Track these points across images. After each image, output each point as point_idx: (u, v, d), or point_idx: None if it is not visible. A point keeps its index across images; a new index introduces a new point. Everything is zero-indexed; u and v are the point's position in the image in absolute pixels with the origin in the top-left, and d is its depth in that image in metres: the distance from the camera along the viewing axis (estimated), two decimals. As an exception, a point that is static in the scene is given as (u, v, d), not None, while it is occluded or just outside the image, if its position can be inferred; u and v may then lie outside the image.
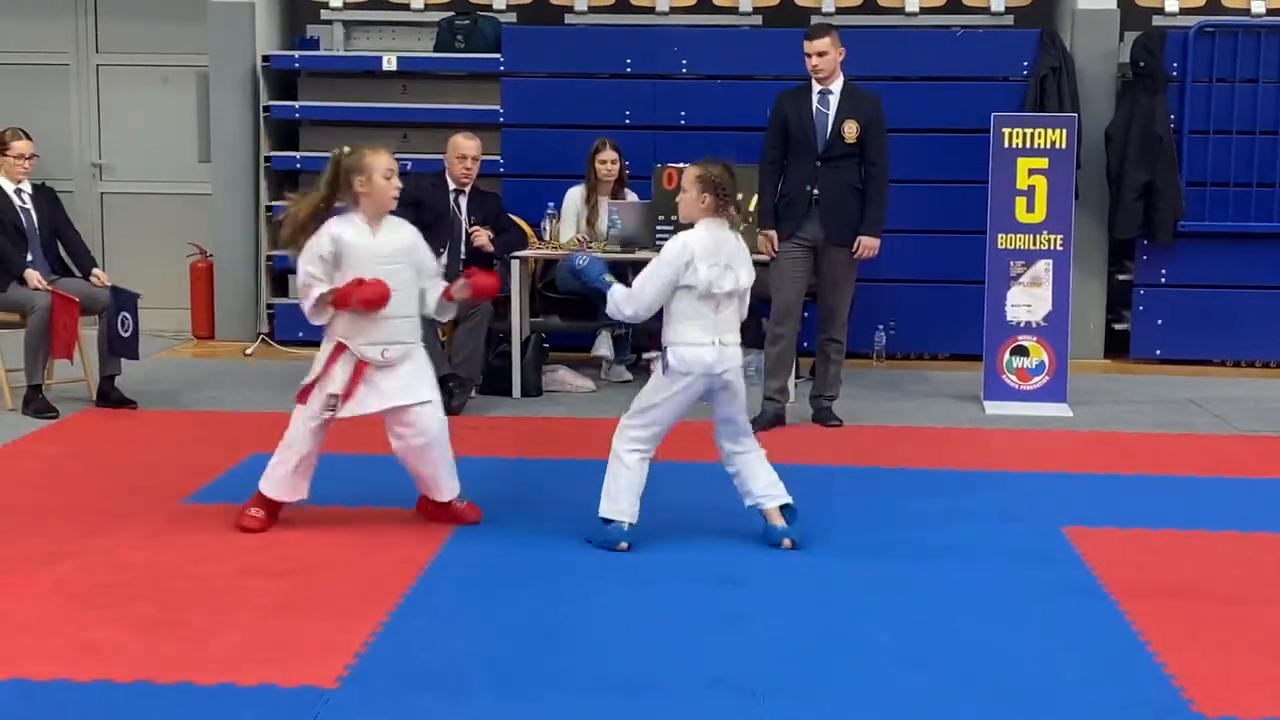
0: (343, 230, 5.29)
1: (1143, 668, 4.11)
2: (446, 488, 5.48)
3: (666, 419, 5.21)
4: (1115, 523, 5.62)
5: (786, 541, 5.21)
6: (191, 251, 10.12)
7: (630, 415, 5.25)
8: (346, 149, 5.37)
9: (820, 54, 7.11)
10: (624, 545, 5.17)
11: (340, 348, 5.30)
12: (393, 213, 8.14)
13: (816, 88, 7.17)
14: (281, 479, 5.40)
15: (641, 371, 8.88)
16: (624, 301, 5.18)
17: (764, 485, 5.28)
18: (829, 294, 7.33)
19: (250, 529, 5.34)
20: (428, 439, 5.38)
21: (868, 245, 7.20)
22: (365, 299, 5.17)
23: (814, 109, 7.15)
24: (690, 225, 5.22)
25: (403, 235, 5.43)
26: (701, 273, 5.06)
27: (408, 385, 5.34)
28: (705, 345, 5.10)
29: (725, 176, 5.17)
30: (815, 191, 7.15)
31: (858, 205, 7.21)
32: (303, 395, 5.37)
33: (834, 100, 7.15)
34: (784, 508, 5.29)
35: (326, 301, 5.24)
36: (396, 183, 5.38)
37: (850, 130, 7.10)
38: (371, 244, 5.30)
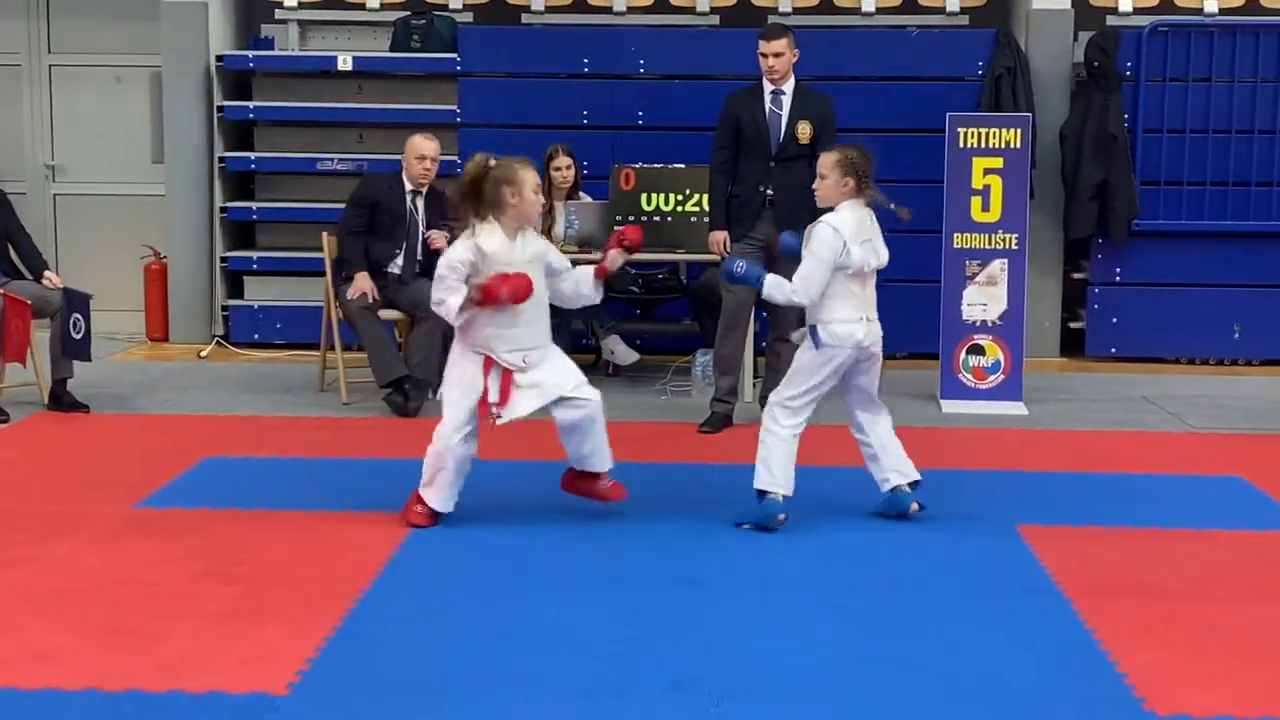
0: (484, 241, 5.33)
1: (1096, 666, 4.13)
2: (599, 460, 5.59)
3: (817, 393, 5.52)
4: (1069, 521, 5.65)
5: (914, 505, 5.57)
6: (145, 253, 10.03)
7: (785, 397, 5.52)
8: (491, 160, 5.39)
9: (777, 55, 7.11)
10: (782, 517, 5.42)
11: (488, 359, 5.39)
12: (348, 214, 8.14)
13: (769, 88, 7.17)
14: (441, 488, 5.46)
15: (594, 372, 8.86)
16: (794, 292, 5.45)
17: (895, 464, 5.62)
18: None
19: (418, 524, 5.43)
20: (587, 415, 5.49)
21: (823, 246, 7.19)
22: (513, 289, 5.26)
23: (767, 109, 7.16)
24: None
25: (536, 243, 5.54)
26: (854, 253, 5.41)
27: (555, 378, 5.47)
28: (855, 322, 5.46)
29: (863, 159, 5.49)
30: (769, 192, 7.15)
31: (810, 205, 7.20)
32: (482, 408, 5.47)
33: (787, 101, 7.16)
34: (913, 484, 5.62)
35: (473, 300, 5.30)
36: (541, 198, 5.50)
37: (804, 131, 7.10)
38: (510, 253, 5.37)
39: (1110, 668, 4.11)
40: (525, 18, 9.85)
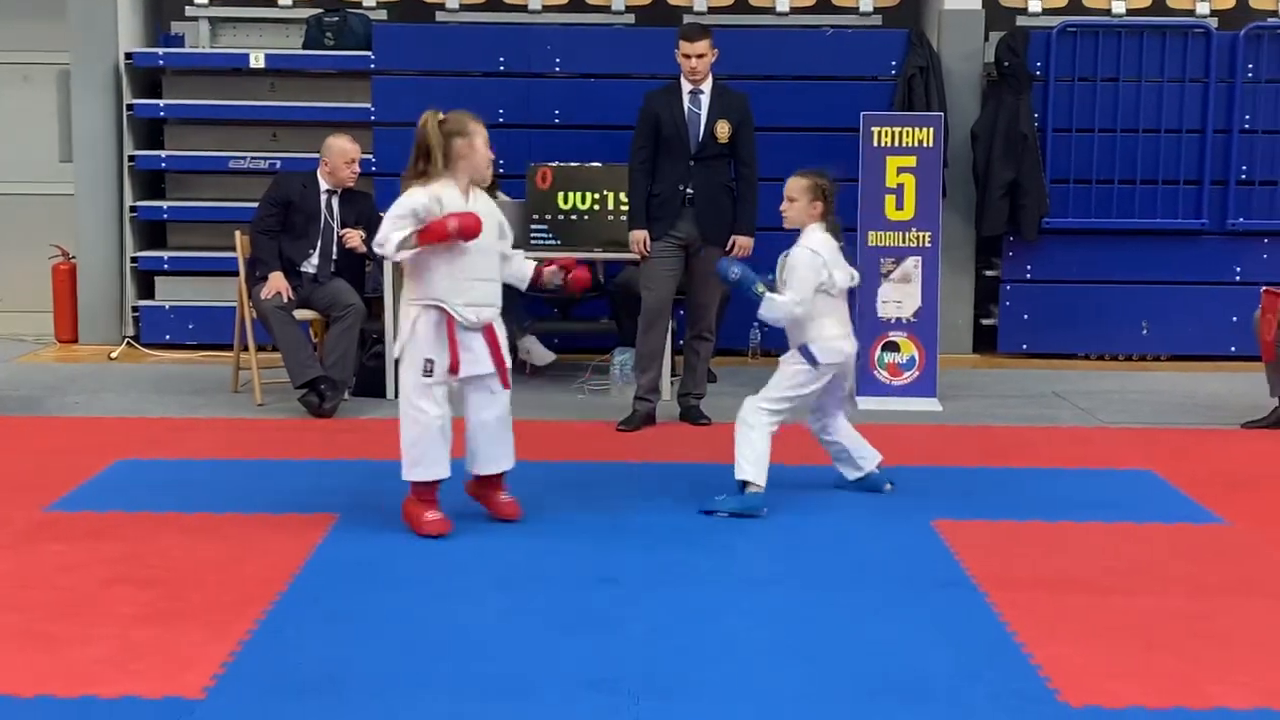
0: (441, 190, 5.26)
1: (1010, 658, 4.18)
2: (501, 461, 5.51)
3: (800, 403, 5.83)
4: (983, 515, 5.72)
5: (888, 485, 5.99)
6: (53, 253, 9.87)
7: (766, 400, 5.73)
8: (440, 115, 5.31)
9: (700, 55, 7.15)
10: (764, 511, 5.61)
11: (428, 311, 5.29)
12: (261, 213, 8.05)
13: (687, 87, 7.21)
14: (430, 462, 5.33)
15: (511, 373, 8.83)
16: (782, 308, 5.66)
17: (862, 452, 5.98)
18: (700, 292, 7.37)
19: (434, 533, 5.30)
20: (502, 410, 5.45)
21: (743, 244, 7.24)
22: (463, 224, 5.17)
23: (686, 109, 7.19)
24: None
25: (489, 203, 5.48)
26: (835, 275, 5.72)
27: (487, 353, 5.41)
28: (844, 338, 5.80)
29: (831, 185, 5.83)
30: (689, 191, 7.18)
31: (730, 204, 7.26)
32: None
33: (705, 100, 7.19)
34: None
35: (416, 237, 5.18)
36: (491, 153, 5.41)
37: (723, 130, 7.14)
38: (464, 205, 5.30)
39: (1024, 659, 4.16)
40: (440, 15, 9.81)
